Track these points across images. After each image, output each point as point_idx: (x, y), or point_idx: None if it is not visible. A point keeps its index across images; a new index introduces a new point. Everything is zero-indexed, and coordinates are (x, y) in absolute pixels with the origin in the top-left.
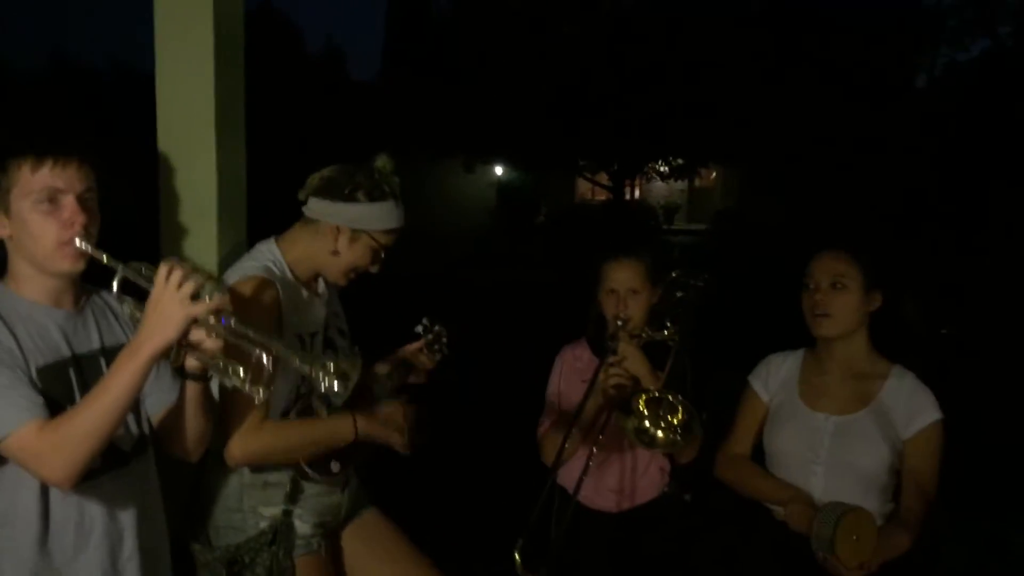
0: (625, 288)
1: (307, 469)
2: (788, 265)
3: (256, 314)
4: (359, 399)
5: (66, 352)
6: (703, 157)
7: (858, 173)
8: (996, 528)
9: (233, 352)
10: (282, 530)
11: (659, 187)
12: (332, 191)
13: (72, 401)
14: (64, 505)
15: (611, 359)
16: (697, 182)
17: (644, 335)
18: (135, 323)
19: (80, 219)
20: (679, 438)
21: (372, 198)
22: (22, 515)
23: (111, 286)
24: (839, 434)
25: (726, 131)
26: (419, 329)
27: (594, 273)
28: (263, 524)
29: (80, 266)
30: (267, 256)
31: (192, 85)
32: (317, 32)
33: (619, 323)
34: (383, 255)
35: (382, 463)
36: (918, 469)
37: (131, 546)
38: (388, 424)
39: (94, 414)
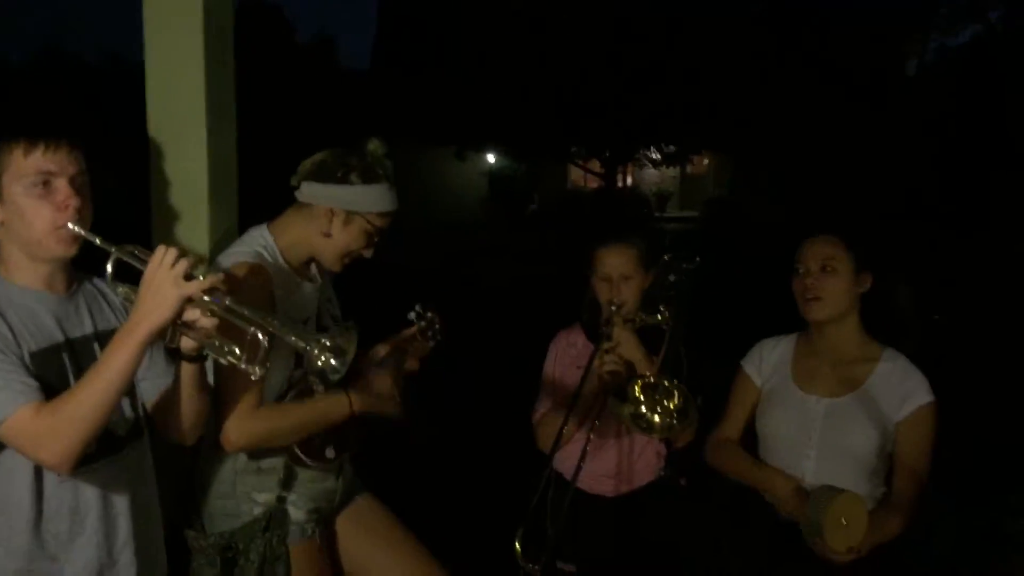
0: (618, 273)
1: (301, 455)
2: (779, 251)
3: (249, 296)
4: (354, 385)
5: (59, 337)
6: (695, 144)
7: (849, 160)
8: (987, 513)
9: (228, 331)
10: (276, 516)
11: (651, 174)
12: (325, 174)
13: (66, 385)
14: (59, 491)
15: (606, 345)
16: (689, 169)
17: (638, 320)
18: (130, 305)
19: (74, 202)
20: (676, 423)
21: (366, 180)
22: (16, 502)
23: (102, 273)
24: (830, 417)
25: (718, 119)
26: (412, 315)
27: (587, 259)
28: (257, 510)
29: (73, 250)
30: (259, 241)
31: (182, 72)
32: (309, 21)
33: (613, 308)
34: (377, 239)
35: (377, 452)
36: (910, 452)
37: (126, 532)
38: (381, 395)
39: (90, 396)
